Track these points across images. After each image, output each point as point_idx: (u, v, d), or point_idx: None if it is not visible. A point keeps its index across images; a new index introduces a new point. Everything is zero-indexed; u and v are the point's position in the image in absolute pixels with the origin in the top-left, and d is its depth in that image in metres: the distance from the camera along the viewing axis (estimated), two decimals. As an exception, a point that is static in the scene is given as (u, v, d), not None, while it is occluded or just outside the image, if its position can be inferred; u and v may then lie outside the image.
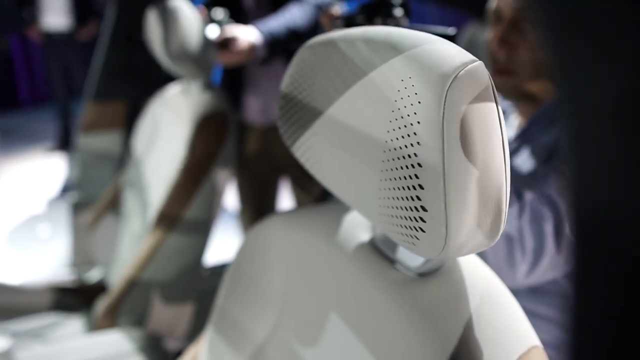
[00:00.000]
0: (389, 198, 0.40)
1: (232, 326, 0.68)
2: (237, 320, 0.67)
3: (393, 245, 0.51)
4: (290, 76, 0.51)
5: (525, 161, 0.80)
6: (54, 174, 3.92)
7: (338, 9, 0.94)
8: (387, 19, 0.81)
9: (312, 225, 0.60)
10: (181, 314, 1.11)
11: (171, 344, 1.07)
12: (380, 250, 0.52)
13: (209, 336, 0.71)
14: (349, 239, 0.55)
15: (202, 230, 1.06)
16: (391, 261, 0.51)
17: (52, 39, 4.00)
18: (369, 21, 0.82)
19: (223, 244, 1.56)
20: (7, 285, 1.35)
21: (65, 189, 3.61)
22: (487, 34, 0.84)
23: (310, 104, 0.48)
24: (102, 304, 1.13)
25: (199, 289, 1.13)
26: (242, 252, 0.66)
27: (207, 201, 1.04)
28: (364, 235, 0.55)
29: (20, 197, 3.37)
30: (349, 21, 0.83)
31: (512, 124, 0.89)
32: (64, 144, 4.42)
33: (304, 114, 0.50)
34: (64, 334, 1.18)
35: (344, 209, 0.60)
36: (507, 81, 0.81)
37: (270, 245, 0.63)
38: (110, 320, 1.06)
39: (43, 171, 3.97)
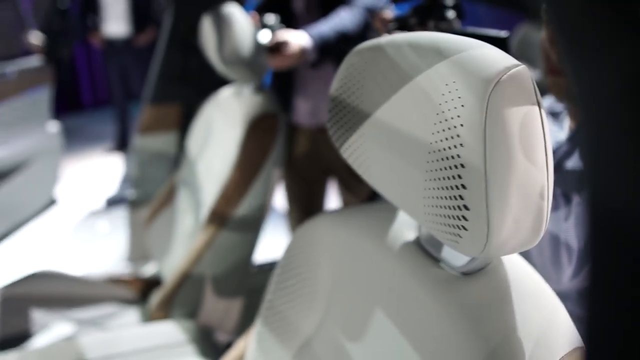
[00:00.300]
0: (433, 197, 0.41)
1: (280, 320, 0.70)
2: (285, 315, 0.69)
3: (438, 245, 0.52)
4: (339, 80, 0.53)
5: (576, 164, 0.78)
6: (112, 173, 4.11)
7: (390, 13, 0.95)
8: (440, 21, 0.81)
9: (358, 224, 0.61)
10: (231, 308, 1.15)
11: (221, 337, 1.11)
12: (425, 249, 0.53)
13: (257, 330, 0.74)
14: (395, 237, 0.56)
15: (253, 228, 1.09)
16: (436, 260, 0.52)
17: (112, 45, 4.20)
18: (422, 24, 0.83)
19: (271, 243, 1.59)
20: (71, 276, 1.44)
21: (123, 187, 3.78)
22: (541, 34, 0.83)
23: (359, 106, 0.50)
24: (156, 297, 1.18)
25: (249, 284, 1.17)
26: (291, 250, 0.68)
27: (258, 200, 1.07)
28: (410, 235, 0.56)
29: (81, 194, 3.54)
30: (401, 24, 0.84)
31: (565, 127, 0.88)
32: (122, 144, 4.62)
33: (352, 116, 0.52)
34: (121, 323, 1.24)
35: (390, 209, 0.61)
36: (559, 81, 0.79)
37: (317, 243, 0.65)
38: (164, 311, 1.11)
39: (102, 170, 4.16)
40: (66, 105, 5.72)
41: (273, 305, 0.71)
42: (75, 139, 4.73)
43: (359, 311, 0.58)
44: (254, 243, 1.13)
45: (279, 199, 1.68)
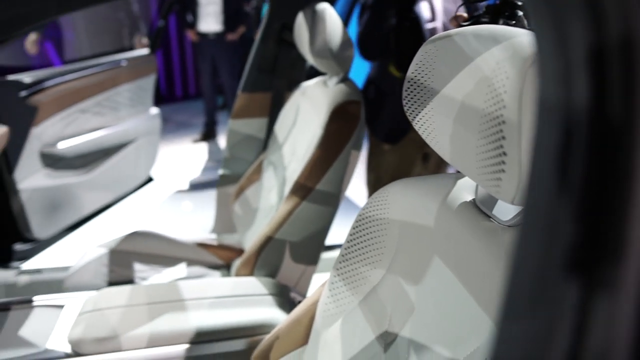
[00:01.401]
0: (482, 152, 0.52)
1: (351, 271, 0.83)
2: (356, 267, 0.82)
3: (490, 204, 0.62)
4: (415, 64, 0.65)
5: None
6: (198, 159, 4.44)
7: (464, 13, 1.04)
8: (510, 20, 0.90)
9: (425, 188, 0.73)
10: (306, 273, 1.29)
11: (296, 297, 1.25)
12: (479, 208, 0.64)
13: (330, 279, 0.87)
14: (455, 199, 0.67)
15: (331, 203, 1.22)
16: (488, 217, 0.62)
17: (205, 40, 4.54)
18: (493, 22, 0.92)
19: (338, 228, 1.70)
20: (167, 238, 1.64)
21: (207, 171, 4.09)
22: None
23: (430, 85, 0.61)
24: (240, 259, 1.35)
25: (322, 254, 1.31)
26: (366, 210, 0.80)
27: (337, 178, 1.20)
28: (468, 197, 0.66)
29: (171, 175, 3.88)
30: (474, 22, 0.94)
31: None
32: (209, 133, 4.95)
33: (424, 93, 0.63)
34: (209, 282, 1.41)
35: (451, 178, 0.72)
36: None
37: (390, 203, 0.77)
38: (248, 270, 1.27)
39: (189, 156, 4.50)
40: (161, 96, 6.20)
41: (346, 258, 0.84)
42: (167, 127, 5.14)
43: (420, 260, 0.69)
44: (331, 217, 1.26)
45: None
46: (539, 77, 0.27)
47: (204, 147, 4.74)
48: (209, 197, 3.49)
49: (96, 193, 2.38)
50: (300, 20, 1.33)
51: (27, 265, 2.05)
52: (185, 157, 4.47)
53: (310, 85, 1.44)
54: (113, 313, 1.06)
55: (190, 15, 4.51)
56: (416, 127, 0.67)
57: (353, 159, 1.23)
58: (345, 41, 1.23)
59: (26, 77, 2.01)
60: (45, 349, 1.02)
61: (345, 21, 2.28)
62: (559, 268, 0.27)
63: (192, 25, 4.51)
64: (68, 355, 1.00)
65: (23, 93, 1.97)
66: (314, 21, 1.23)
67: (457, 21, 1.05)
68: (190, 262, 1.62)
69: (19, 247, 2.09)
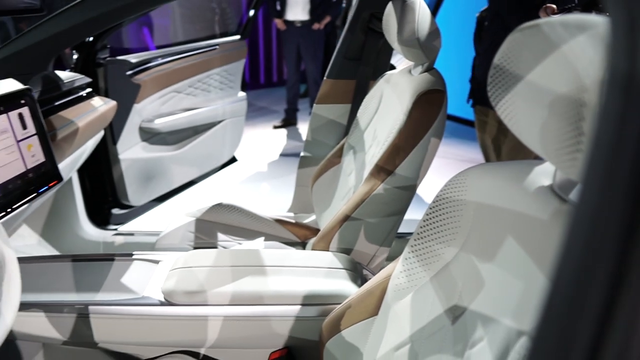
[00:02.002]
0: (561, 134, 0.54)
1: (425, 248, 0.87)
2: (430, 244, 0.86)
3: (568, 189, 0.64)
4: (502, 52, 0.67)
5: None
6: (279, 143, 4.60)
7: (554, 6, 1.04)
8: (601, 13, 0.89)
9: (503, 173, 0.75)
10: (380, 253, 1.33)
11: (368, 274, 1.30)
12: (556, 193, 0.66)
13: (404, 255, 0.91)
14: (532, 183, 0.69)
15: (408, 187, 1.26)
16: (564, 200, 0.64)
17: (291, 28, 4.67)
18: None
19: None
20: (247, 212, 1.75)
21: (285, 155, 4.23)
22: None
23: (515, 71, 0.64)
24: (317, 236, 1.42)
25: (395, 236, 1.35)
26: (446, 189, 0.84)
27: (416, 163, 1.23)
28: (545, 182, 0.68)
29: (252, 157, 4.06)
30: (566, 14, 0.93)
31: None
32: (289, 120, 5.10)
33: (509, 79, 0.66)
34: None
35: (530, 164, 0.74)
36: None
37: (468, 186, 0.80)
38: (324, 245, 1.34)
39: (270, 140, 4.67)
40: (245, 82, 6.45)
41: (421, 236, 0.88)
42: (249, 112, 5.36)
43: (494, 240, 0.72)
44: (407, 202, 1.30)
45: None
46: (610, 52, 0.31)
47: (283, 132, 4.89)
48: (286, 180, 3.63)
49: (185, 168, 2.56)
50: (390, 10, 1.37)
51: (122, 228, 2.25)
52: (265, 141, 4.64)
53: (395, 73, 1.48)
54: (201, 271, 1.17)
55: (278, 4, 4.66)
56: (499, 112, 0.69)
57: (433, 147, 1.25)
58: (433, 31, 1.25)
59: (132, 58, 2.20)
60: (143, 296, 1.15)
61: (434, 11, 2.28)
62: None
63: (280, 14, 4.65)
64: (162, 303, 1.12)
65: (129, 72, 2.16)
66: (403, 11, 1.27)
67: (546, 12, 1.05)
68: (268, 237, 1.72)
69: (115, 211, 2.31)
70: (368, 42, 1.75)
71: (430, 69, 1.32)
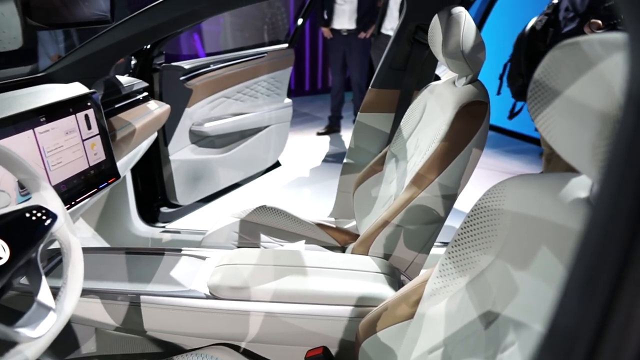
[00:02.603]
0: (597, 148, 0.56)
1: (462, 255, 0.89)
2: (467, 251, 0.88)
3: (604, 201, 0.66)
4: (542, 67, 0.70)
5: None
6: (322, 149, 4.66)
7: (599, 22, 1.05)
8: None
9: (541, 184, 0.77)
10: (417, 260, 1.36)
11: (405, 280, 1.33)
12: (592, 205, 0.67)
13: (441, 261, 0.94)
14: (569, 195, 0.71)
15: (449, 196, 1.28)
16: None
17: (337, 37, 4.74)
18: None
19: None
20: (290, 215, 1.81)
21: (327, 162, 4.29)
22: None
23: (554, 87, 0.66)
24: (357, 241, 1.46)
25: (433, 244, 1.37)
26: (484, 199, 0.86)
27: (457, 173, 1.25)
28: (582, 194, 0.70)
29: (295, 162, 4.13)
30: (610, 30, 0.94)
31: None
32: (333, 127, 5.16)
33: (548, 94, 0.68)
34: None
35: (570, 176, 0.76)
36: None
37: (506, 196, 0.82)
38: (363, 249, 1.37)
39: (313, 146, 4.74)
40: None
41: (458, 243, 0.90)
42: (294, 119, 5.46)
43: (529, 249, 0.74)
44: (447, 210, 1.32)
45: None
46: (629, 71, 0.33)
47: (326, 139, 4.96)
48: (327, 186, 3.68)
49: (231, 170, 2.65)
50: (435, 22, 1.40)
51: (169, 226, 2.36)
52: (309, 147, 4.71)
53: (439, 84, 1.51)
54: (245, 268, 1.23)
55: (325, 13, 4.74)
56: (537, 125, 0.72)
57: (474, 157, 1.27)
58: (478, 44, 1.28)
59: (186, 64, 2.31)
60: (190, 289, 1.21)
61: (480, 25, 2.28)
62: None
63: (327, 22, 4.73)
64: (207, 297, 1.19)
65: (182, 77, 2.26)
66: (449, 23, 1.29)
67: (590, 28, 1.05)
68: (309, 240, 1.77)
69: (164, 210, 2.41)
70: (413, 53, 1.78)
71: (474, 80, 1.34)
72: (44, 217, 0.88)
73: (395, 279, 1.25)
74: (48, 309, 0.85)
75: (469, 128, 1.23)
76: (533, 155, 4.57)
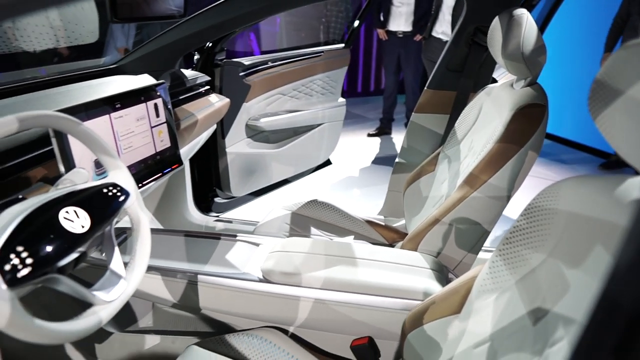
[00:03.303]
0: None
1: (513, 253, 0.90)
2: (519, 248, 0.89)
3: (663, 202, 0.66)
4: (606, 67, 0.70)
5: None
6: (372, 150, 4.68)
7: None
8: None
9: (597, 185, 0.77)
10: (466, 259, 1.37)
11: (453, 278, 1.34)
12: None
13: (492, 259, 0.95)
14: (626, 196, 0.71)
15: (501, 197, 1.27)
16: None
17: (393, 39, 4.75)
18: None
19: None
20: (339, 210, 1.84)
21: (377, 163, 4.30)
22: None
23: (617, 87, 0.67)
24: (407, 237, 1.48)
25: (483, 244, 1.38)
26: (539, 198, 0.87)
27: (511, 175, 1.25)
28: (638, 194, 0.70)
29: (345, 161, 4.17)
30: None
31: None
32: (384, 129, 5.17)
33: (610, 94, 0.69)
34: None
35: (627, 177, 0.76)
36: None
37: (561, 196, 0.83)
38: (412, 246, 1.39)
39: (364, 147, 4.76)
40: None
41: (510, 241, 0.91)
42: (345, 119, 5.50)
43: (583, 248, 0.75)
44: (499, 212, 1.32)
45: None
46: None
47: (377, 141, 4.97)
48: (376, 187, 3.70)
49: (283, 166, 2.71)
50: (496, 24, 1.40)
51: (222, 216, 2.45)
52: (359, 148, 4.74)
53: (496, 86, 1.51)
54: (297, 256, 1.28)
55: (382, 15, 4.75)
56: (597, 125, 0.72)
57: (529, 160, 1.27)
58: (539, 47, 1.27)
59: (245, 60, 2.39)
60: (244, 272, 1.27)
61: (542, 27, 2.25)
62: None
63: (383, 24, 4.74)
64: (260, 280, 1.24)
65: (242, 73, 2.35)
66: (510, 25, 1.29)
67: None
68: (358, 236, 1.80)
69: (218, 200, 2.51)
70: (471, 55, 1.78)
71: (532, 83, 1.33)
72: (118, 194, 0.96)
73: (443, 275, 1.26)
74: (119, 277, 0.93)
75: (525, 130, 1.23)
76: (589, 165, 4.42)
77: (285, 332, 1.27)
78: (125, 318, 1.50)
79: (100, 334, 1.52)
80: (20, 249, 0.75)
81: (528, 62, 1.27)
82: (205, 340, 1.19)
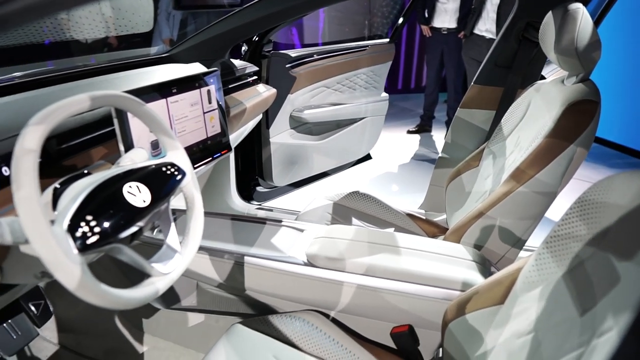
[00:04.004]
0: None
1: (561, 245, 0.90)
2: (568, 241, 0.89)
3: None
4: None
5: None
6: (411, 147, 4.66)
7: None
8: None
9: None
10: (510, 253, 1.36)
11: (495, 272, 1.34)
12: None
13: (538, 251, 0.95)
14: None
15: (548, 193, 1.27)
16: None
17: (436, 36, 4.71)
18: None
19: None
20: (381, 202, 1.86)
21: (415, 160, 4.28)
22: None
23: None
24: (449, 230, 1.48)
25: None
26: (590, 192, 0.87)
27: (559, 171, 1.24)
28: None
29: (384, 158, 4.18)
30: None
31: None
32: (424, 126, 5.13)
33: None
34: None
35: None
36: None
37: (613, 190, 0.82)
38: (455, 238, 1.40)
39: (403, 143, 4.75)
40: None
41: (558, 234, 0.91)
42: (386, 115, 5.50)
43: (634, 240, 0.75)
44: (545, 207, 1.30)
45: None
46: None
47: (416, 138, 4.94)
48: (414, 183, 3.69)
49: (324, 158, 2.74)
50: (549, 19, 1.38)
51: (264, 205, 2.50)
52: (399, 144, 4.73)
53: (545, 82, 1.49)
54: (341, 242, 1.30)
55: (426, 11, 4.72)
56: None
57: (578, 157, 1.25)
58: (594, 42, 1.25)
59: (292, 52, 2.43)
60: (289, 256, 1.31)
61: (597, 22, 2.20)
62: None
63: (428, 21, 4.70)
64: (305, 264, 1.28)
65: (288, 65, 2.39)
66: (564, 20, 1.28)
67: None
68: (398, 229, 1.82)
69: (259, 189, 2.56)
70: (521, 51, 1.76)
71: (585, 79, 1.31)
72: (176, 173, 1.01)
73: (485, 268, 1.27)
74: (175, 251, 0.98)
75: (576, 126, 1.22)
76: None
77: (326, 316, 1.30)
78: (171, 296, 1.57)
79: (147, 309, 1.59)
80: (89, 218, 0.80)
81: (582, 58, 1.25)
82: (250, 320, 1.23)
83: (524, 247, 1.41)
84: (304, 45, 6.06)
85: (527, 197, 1.28)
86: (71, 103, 0.84)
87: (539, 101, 1.45)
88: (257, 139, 2.42)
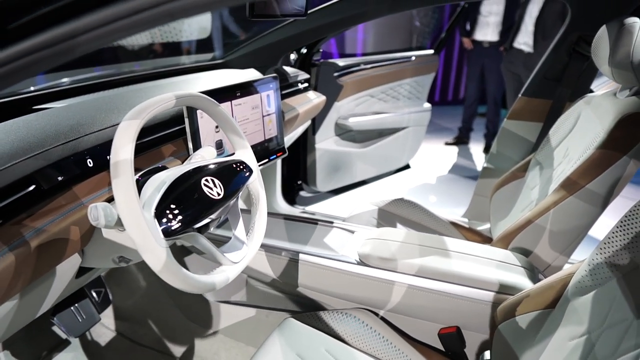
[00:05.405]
0: None
1: (615, 251, 0.93)
2: (621, 248, 0.92)
3: None
4: None
5: None
6: (449, 159, 4.66)
7: None
8: None
9: None
10: (558, 261, 1.38)
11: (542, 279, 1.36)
12: None
13: (591, 256, 0.98)
14: None
15: (598, 204, 1.29)
16: None
17: (478, 48, 4.71)
18: None
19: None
20: (425, 209, 1.90)
21: (453, 172, 4.28)
22: None
23: None
24: (497, 237, 1.51)
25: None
26: None
27: (611, 182, 1.25)
28: None
29: (422, 169, 4.20)
30: None
31: None
32: (462, 138, 5.12)
33: None
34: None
35: None
36: None
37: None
38: (504, 244, 1.43)
39: (441, 155, 4.76)
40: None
41: (612, 241, 0.94)
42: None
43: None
44: (594, 218, 1.32)
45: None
46: None
47: (454, 150, 4.94)
48: (451, 196, 3.70)
49: (366, 165, 2.80)
50: (603, 32, 1.40)
51: (307, 209, 2.57)
52: (436, 155, 4.74)
53: (596, 95, 1.51)
54: (393, 244, 1.35)
55: (468, 24, 4.73)
56: None
57: (631, 169, 1.27)
58: None
59: (340, 62, 2.50)
60: (342, 255, 1.37)
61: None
62: None
63: (469, 33, 4.72)
64: (357, 263, 1.33)
65: (335, 74, 2.46)
66: (620, 33, 1.30)
67: None
68: (443, 232, 1.85)
69: (303, 193, 2.63)
70: (571, 64, 1.78)
71: (639, 92, 1.33)
72: (244, 170, 1.08)
73: (533, 274, 1.29)
74: (242, 242, 1.05)
75: (629, 138, 1.24)
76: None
77: (375, 314, 1.35)
78: (222, 290, 1.64)
79: (199, 302, 1.67)
80: (173, 206, 0.88)
81: (637, 71, 1.27)
82: (302, 315, 1.29)
83: (568, 260, 1.43)
84: (341, 56, 6.15)
85: (577, 207, 1.31)
86: (160, 101, 0.92)
87: (590, 113, 1.47)
88: (303, 144, 2.49)
